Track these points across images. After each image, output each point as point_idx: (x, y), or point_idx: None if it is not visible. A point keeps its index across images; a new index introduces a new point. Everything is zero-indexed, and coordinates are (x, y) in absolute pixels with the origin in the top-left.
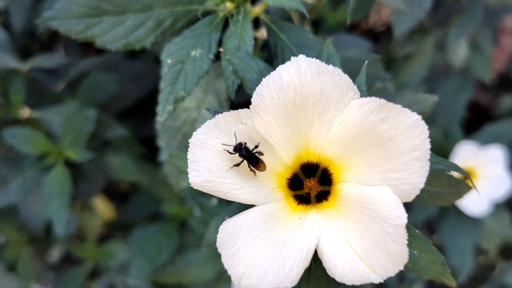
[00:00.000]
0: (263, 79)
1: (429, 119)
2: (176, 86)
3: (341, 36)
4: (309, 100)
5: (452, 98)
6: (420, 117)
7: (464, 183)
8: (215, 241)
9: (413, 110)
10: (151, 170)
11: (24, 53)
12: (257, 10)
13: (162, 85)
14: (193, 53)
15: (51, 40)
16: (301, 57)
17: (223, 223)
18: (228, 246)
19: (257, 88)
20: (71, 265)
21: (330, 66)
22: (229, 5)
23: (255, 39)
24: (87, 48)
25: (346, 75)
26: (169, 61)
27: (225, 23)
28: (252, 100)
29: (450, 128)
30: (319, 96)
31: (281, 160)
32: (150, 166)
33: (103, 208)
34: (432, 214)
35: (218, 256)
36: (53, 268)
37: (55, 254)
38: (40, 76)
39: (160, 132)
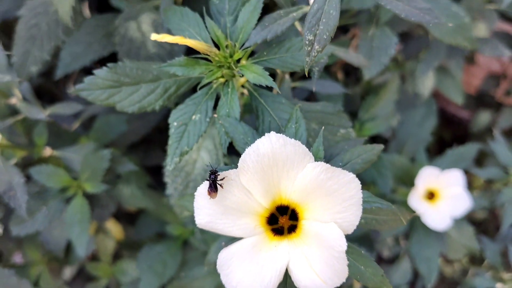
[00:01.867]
0: (246, 149)
1: (399, 144)
2: (181, 143)
3: (318, 81)
4: (278, 163)
5: (419, 126)
6: (354, 175)
7: (404, 212)
8: (215, 262)
9: (363, 158)
10: (157, 197)
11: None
12: (242, 80)
13: (170, 141)
14: (193, 117)
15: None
16: (272, 133)
17: (220, 251)
18: (224, 268)
19: (242, 155)
20: (85, 282)
21: (292, 140)
22: (220, 79)
23: (242, 93)
24: None
25: (303, 145)
26: (175, 123)
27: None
28: (238, 164)
29: (417, 154)
30: (286, 160)
31: (261, 204)
32: (155, 193)
33: (113, 229)
34: (404, 228)
35: (217, 273)
36: (69, 285)
37: (69, 272)
38: (57, 117)
39: (166, 171)
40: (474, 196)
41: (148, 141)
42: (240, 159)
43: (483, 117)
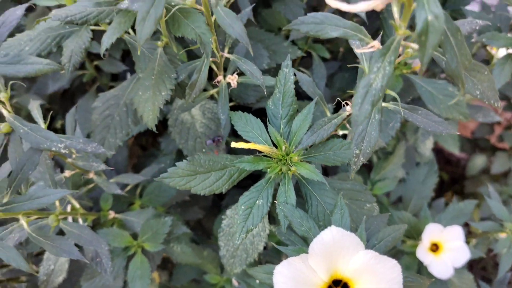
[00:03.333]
0: (314, 239)
1: (405, 200)
2: (247, 223)
3: None
4: (337, 249)
5: (422, 184)
6: (396, 262)
7: (426, 279)
8: None
9: (393, 236)
10: (198, 249)
11: None
12: (294, 169)
13: (238, 221)
14: (257, 202)
15: None
16: (333, 227)
17: None
18: None
19: (310, 244)
20: None
21: (348, 232)
22: (278, 172)
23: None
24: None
25: (356, 236)
26: (243, 207)
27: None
28: (308, 250)
29: (422, 211)
30: (343, 247)
31: (322, 279)
32: (198, 247)
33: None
34: None
35: None
36: None
37: None
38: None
39: (220, 235)
40: (473, 243)
41: (188, 200)
42: (310, 247)
43: (479, 161)
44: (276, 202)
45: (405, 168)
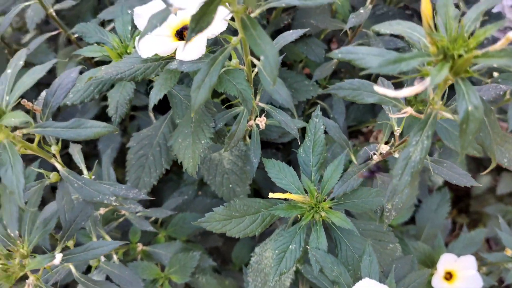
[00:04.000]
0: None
1: (419, 229)
2: (280, 266)
3: None
4: None
5: (435, 213)
6: None
7: None
8: None
9: (418, 282)
10: (220, 279)
11: None
12: (323, 214)
13: (273, 264)
14: (290, 247)
15: None
16: (367, 279)
17: None
18: None
19: None
20: None
21: (379, 284)
22: (311, 218)
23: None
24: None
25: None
26: (276, 251)
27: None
28: None
29: (436, 240)
30: None
31: None
32: (219, 275)
33: None
34: None
35: None
36: None
37: None
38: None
39: (248, 271)
40: (484, 271)
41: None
42: None
43: (484, 181)
44: (308, 247)
45: (418, 195)
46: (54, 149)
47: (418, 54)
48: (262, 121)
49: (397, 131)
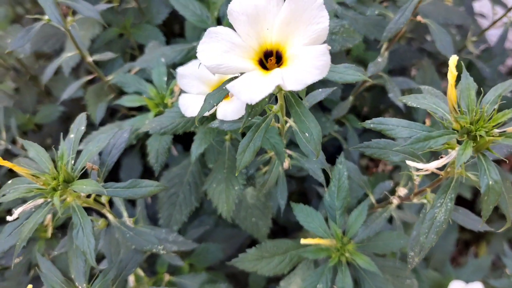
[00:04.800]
0: None
1: (427, 256)
2: None
3: None
4: None
5: (444, 239)
6: None
7: None
8: None
9: None
10: None
11: None
12: (348, 255)
13: None
14: (318, 286)
15: None
16: None
17: None
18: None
19: None
20: None
21: None
22: (336, 259)
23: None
24: None
25: None
26: None
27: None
28: None
29: (445, 267)
30: None
31: None
32: None
33: None
34: None
35: None
36: None
37: None
38: None
39: None
40: None
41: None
42: None
43: None
44: (335, 286)
45: None
46: (105, 199)
47: (445, 132)
48: (286, 163)
49: (417, 180)
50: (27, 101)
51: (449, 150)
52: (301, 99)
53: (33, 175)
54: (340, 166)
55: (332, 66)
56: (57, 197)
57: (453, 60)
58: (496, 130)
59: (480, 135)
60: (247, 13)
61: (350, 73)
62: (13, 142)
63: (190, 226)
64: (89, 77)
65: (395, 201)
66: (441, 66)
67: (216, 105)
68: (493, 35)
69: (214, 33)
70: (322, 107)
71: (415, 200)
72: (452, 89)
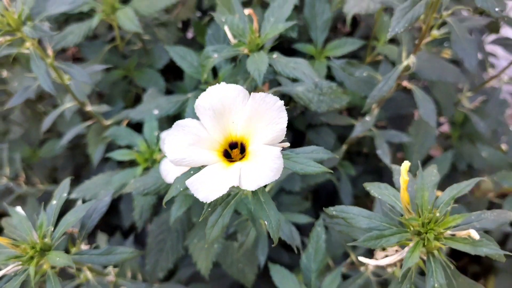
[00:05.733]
0: None
1: None
2: None
3: None
4: None
5: None
6: None
7: None
8: None
9: None
10: None
11: None
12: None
13: None
14: None
15: None
16: None
17: None
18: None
19: None
20: None
21: None
22: None
23: None
24: None
25: None
26: None
27: None
28: None
29: None
30: None
31: None
32: None
33: None
34: None
35: None
36: None
37: None
38: None
39: None
40: None
41: None
42: None
43: (494, 235)
44: None
45: None
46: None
47: (397, 231)
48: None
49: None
50: (33, 134)
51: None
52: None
53: (13, 244)
54: (319, 229)
55: (294, 156)
56: (33, 267)
57: (404, 166)
58: (449, 232)
59: (428, 239)
60: (214, 109)
61: (311, 164)
62: (16, 176)
63: (181, 264)
64: (89, 123)
65: (370, 266)
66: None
67: (182, 188)
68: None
69: (181, 126)
70: None
71: (389, 270)
72: (404, 193)
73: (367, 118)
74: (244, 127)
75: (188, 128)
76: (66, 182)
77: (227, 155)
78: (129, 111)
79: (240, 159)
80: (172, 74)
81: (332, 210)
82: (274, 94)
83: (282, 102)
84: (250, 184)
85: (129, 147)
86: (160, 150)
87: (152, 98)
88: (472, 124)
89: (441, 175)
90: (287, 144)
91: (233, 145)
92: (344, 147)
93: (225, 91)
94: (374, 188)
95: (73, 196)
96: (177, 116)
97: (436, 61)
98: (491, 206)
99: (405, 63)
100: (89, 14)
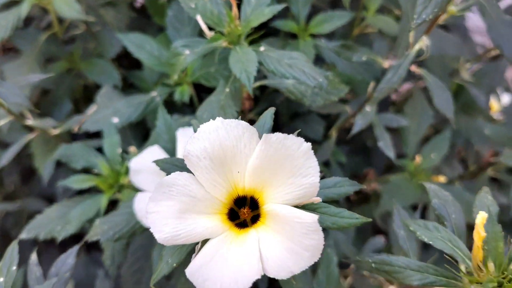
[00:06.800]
0: None
1: None
2: None
3: None
4: None
5: None
6: None
7: None
8: None
9: None
10: None
11: None
12: None
13: None
14: None
15: None
16: None
17: None
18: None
19: None
20: None
21: None
22: None
23: None
24: None
25: None
26: None
27: None
28: None
29: None
30: None
31: None
32: None
33: None
34: None
35: None
36: None
37: None
38: None
39: None
40: None
41: None
42: None
43: None
44: None
45: None
46: None
47: None
48: None
49: None
50: None
51: None
52: None
53: None
54: (329, 251)
55: (322, 206)
56: None
57: (481, 218)
58: None
59: None
60: (212, 157)
61: (346, 215)
62: None
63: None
64: (32, 136)
65: None
66: None
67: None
68: None
69: (168, 186)
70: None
71: None
72: (479, 251)
73: (367, 108)
74: (254, 178)
75: (177, 188)
76: (13, 249)
77: (233, 216)
78: (81, 117)
79: (252, 219)
80: (127, 60)
81: (371, 262)
82: (259, 87)
83: (309, 145)
84: (279, 270)
85: (86, 170)
86: (127, 171)
87: (107, 100)
88: (467, 95)
89: (440, 156)
90: (319, 199)
91: (240, 201)
92: (334, 134)
93: (225, 131)
94: (421, 230)
95: (23, 236)
96: (142, 122)
97: (438, 33)
98: None
99: (416, 46)
100: (16, 1)
